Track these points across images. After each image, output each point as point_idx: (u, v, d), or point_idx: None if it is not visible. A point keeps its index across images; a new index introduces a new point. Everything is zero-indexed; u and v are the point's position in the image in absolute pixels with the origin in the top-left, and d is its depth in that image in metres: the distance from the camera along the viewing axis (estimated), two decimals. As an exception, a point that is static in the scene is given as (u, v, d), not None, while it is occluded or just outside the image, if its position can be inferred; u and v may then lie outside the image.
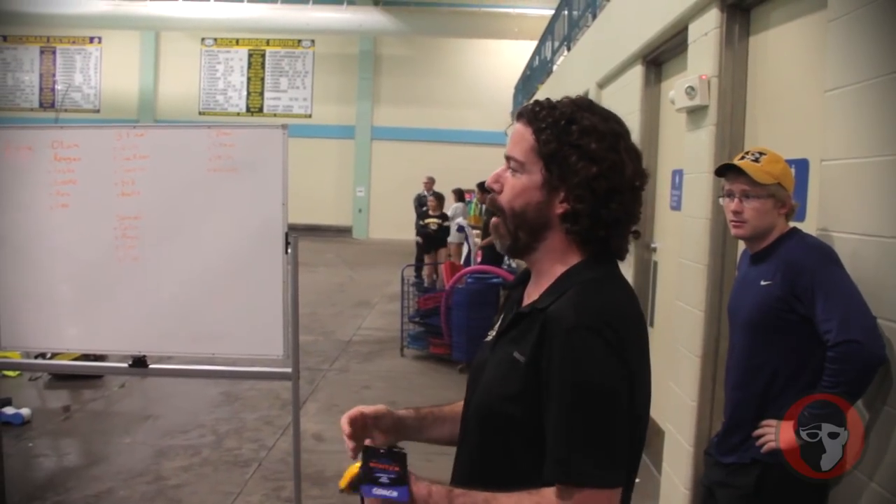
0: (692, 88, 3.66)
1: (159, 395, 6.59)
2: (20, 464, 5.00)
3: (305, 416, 5.86)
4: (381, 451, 1.40)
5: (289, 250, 3.52)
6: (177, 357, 3.89)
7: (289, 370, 3.66)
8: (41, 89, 24.42)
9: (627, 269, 4.62)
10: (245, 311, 3.57)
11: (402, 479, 1.37)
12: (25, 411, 5.79)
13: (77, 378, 6.74)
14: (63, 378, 6.75)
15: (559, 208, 1.45)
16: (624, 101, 5.40)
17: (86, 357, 5.28)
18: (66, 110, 23.01)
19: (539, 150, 1.44)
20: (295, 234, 3.53)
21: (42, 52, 24.26)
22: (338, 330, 9.65)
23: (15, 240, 3.63)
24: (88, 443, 5.61)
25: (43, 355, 5.79)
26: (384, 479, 1.38)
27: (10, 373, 6.49)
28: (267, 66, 24.03)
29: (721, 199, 2.69)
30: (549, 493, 1.33)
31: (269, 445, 5.46)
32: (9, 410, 5.66)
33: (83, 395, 6.55)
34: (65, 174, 3.56)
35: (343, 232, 23.18)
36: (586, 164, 1.41)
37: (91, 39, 24.02)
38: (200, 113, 23.80)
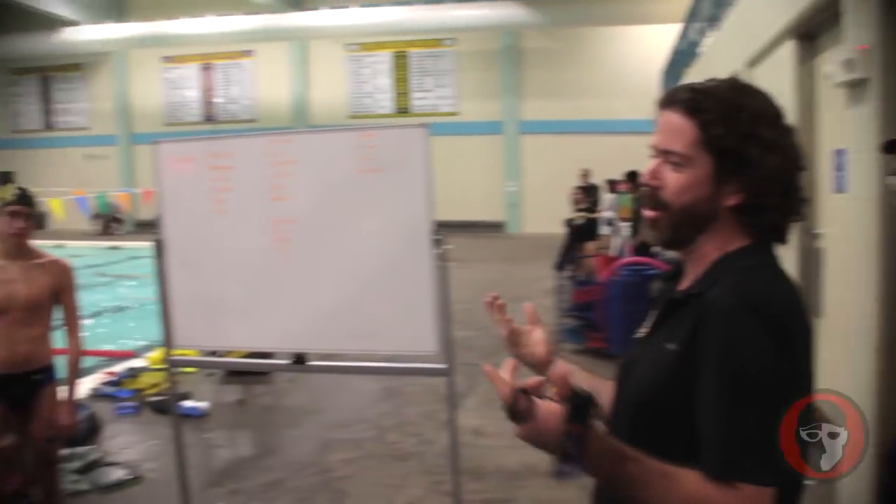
0: (851, 61, 3.38)
1: (324, 390, 6.82)
2: (200, 453, 5.36)
3: (465, 411, 5.90)
4: (580, 393, 1.23)
5: (437, 247, 3.53)
6: (336, 354, 3.99)
7: (444, 366, 3.68)
8: (204, 103, 25.94)
9: (789, 257, 4.34)
10: (397, 308, 3.61)
11: (584, 442, 1.20)
12: (204, 404, 6.20)
13: (249, 374, 7.11)
14: (236, 374, 7.15)
15: (731, 199, 1.37)
16: (776, 79, 5.06)
17: (254, 355, 5.58)
18: (225, 122, 24.42)
19: (709, 143, 1.35)
20: (443, 230, 3.53)
21: (202, 70, 25.79)
22: (494, 325, 9.62)
23: (183, 246, 3.84)
24: (260, 434, 5.93)
25: (215, 353, 6.17)
26: (571, 448, 1.20)
27: (189, 369, 6.95)
28: (411, 66, 24.42)
29: (889, 178, 2.46)
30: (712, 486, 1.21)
31: (429, 440, 5.53)
32: (188, 404, 6.07)
33: (254, 389, 6.91)
34: (221, 182, 3.73)
35: (496, 227, 23.13)
36: (768, 155, 1.33)
37: (245, 53, 25.25)
38: (350, 117, 24.36)
